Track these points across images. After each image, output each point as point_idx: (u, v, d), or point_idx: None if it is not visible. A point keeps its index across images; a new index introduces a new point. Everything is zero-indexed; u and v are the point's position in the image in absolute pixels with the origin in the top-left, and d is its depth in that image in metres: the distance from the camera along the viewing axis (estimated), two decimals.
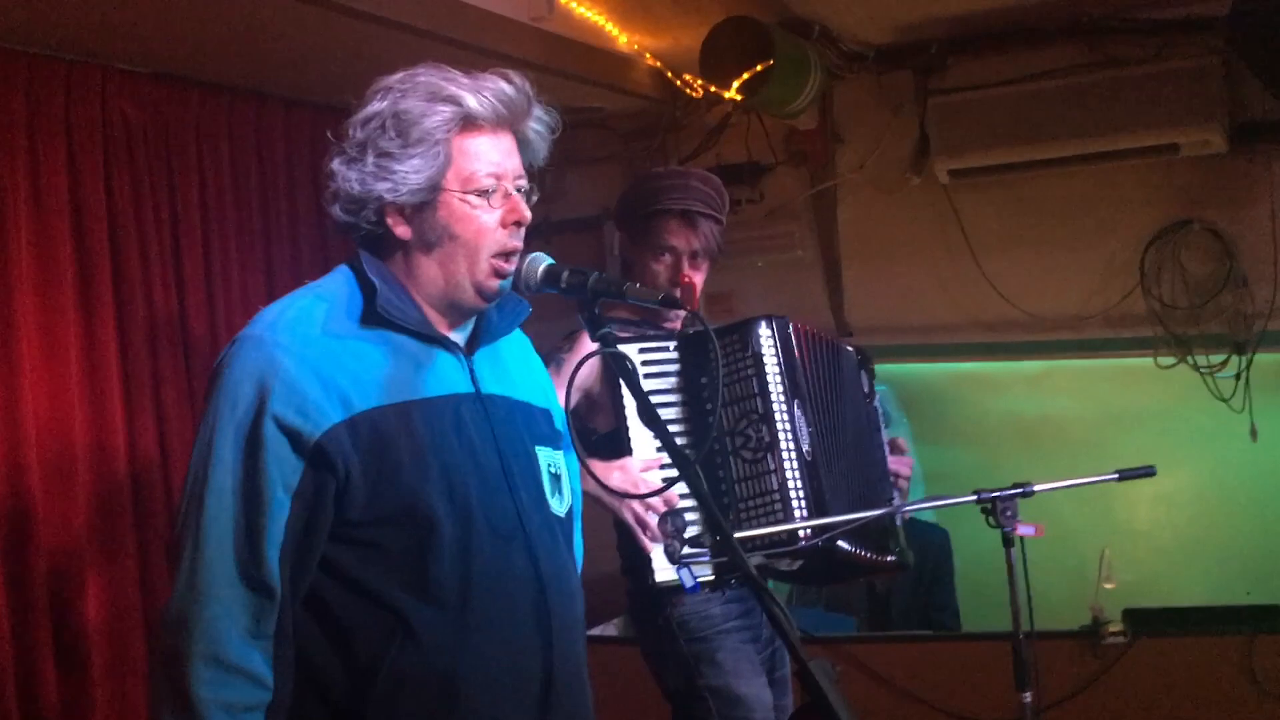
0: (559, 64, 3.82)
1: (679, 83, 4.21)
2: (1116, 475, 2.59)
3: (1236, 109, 3.81)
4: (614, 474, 2.49)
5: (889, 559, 2.80)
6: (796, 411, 2.64)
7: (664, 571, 2.57)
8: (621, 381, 2.50)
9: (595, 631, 3.98)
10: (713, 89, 3.96)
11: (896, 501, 2.87)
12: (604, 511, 2.57)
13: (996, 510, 2.50)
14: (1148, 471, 2.60)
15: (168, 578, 3.32)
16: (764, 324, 2.66)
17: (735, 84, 3.89)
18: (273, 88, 3.81)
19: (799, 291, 4.45)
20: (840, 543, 2.58)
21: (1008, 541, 2.50)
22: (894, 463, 2.96)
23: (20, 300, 3.09)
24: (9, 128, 3.09)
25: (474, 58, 3.54)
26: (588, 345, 2.71)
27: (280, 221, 3.84)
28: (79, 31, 3.11)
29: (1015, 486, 2.52)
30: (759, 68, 3.84)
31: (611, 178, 4.61)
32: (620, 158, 4.64)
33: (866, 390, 2.91)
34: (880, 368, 4.70)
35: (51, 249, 3.19)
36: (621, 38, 4.01)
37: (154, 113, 3.46)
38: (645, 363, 2.67)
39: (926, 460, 5.00)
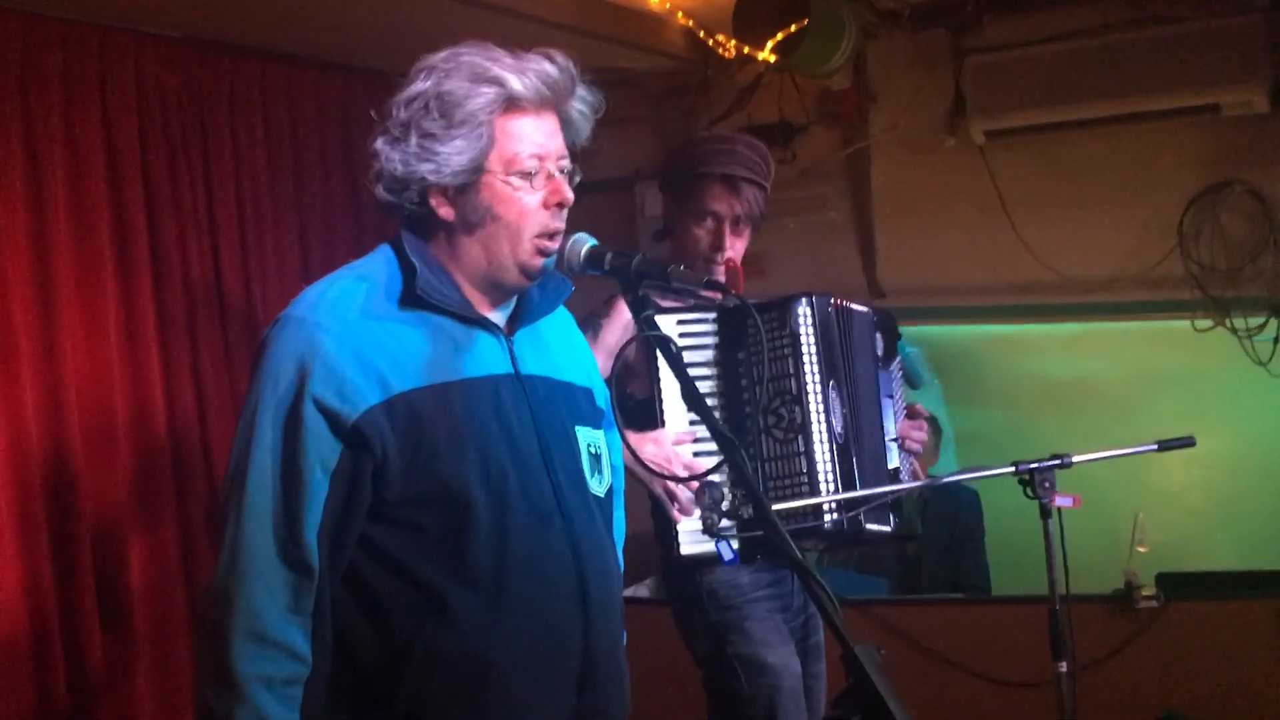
0: (591, 25, 3.78)
1: (711, 42, 4.16)
2: (1156, 446, 2.59)
3: (1279, 69, 3.73)
4: (647, 445, 2.49)
5: (894, 531, 2.79)
6: (831, 392, 2.64)
7: (690, 544, 2.59)
8: (664, 362, 2.52)
9: (628, 593, 4.01)
10: (746, 50, 3.91)
11: (903, 466, 2.86)
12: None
13: (1035, 481, 2.49)
14: (1187, 442, 2.59)
15: (207, 542, 3.41)
16: (804, 302, 2.65)
17: (769, 44, 3.85)
18: (304, 51, 3.80)
19: (831, 253, 4.43)
20: (868, 525, 2.59)
21: (1045, 512, 2.50)
22: (909, 427, 2.93)
23: (59, 266, 3.12)
24: (45, 94, 3.10)
25: (506, 20, 3.53)
26: (624, 310, 2.71)
27: (312, 185, 3.85)
28: None
29: (1053, 457, 2.52)
30: (793, 28, 3.80)
31: (643, 138, 4.59)
32: (651, 118, 4.61)
33: (880, 353, 2.88)
34: (912, 329, 4.70)
35: (89, 216, 3.21)
36: None
37: (187, 77, 3.46)
38: (683, 334, 2.67)
39: (959, 422, 5.01)
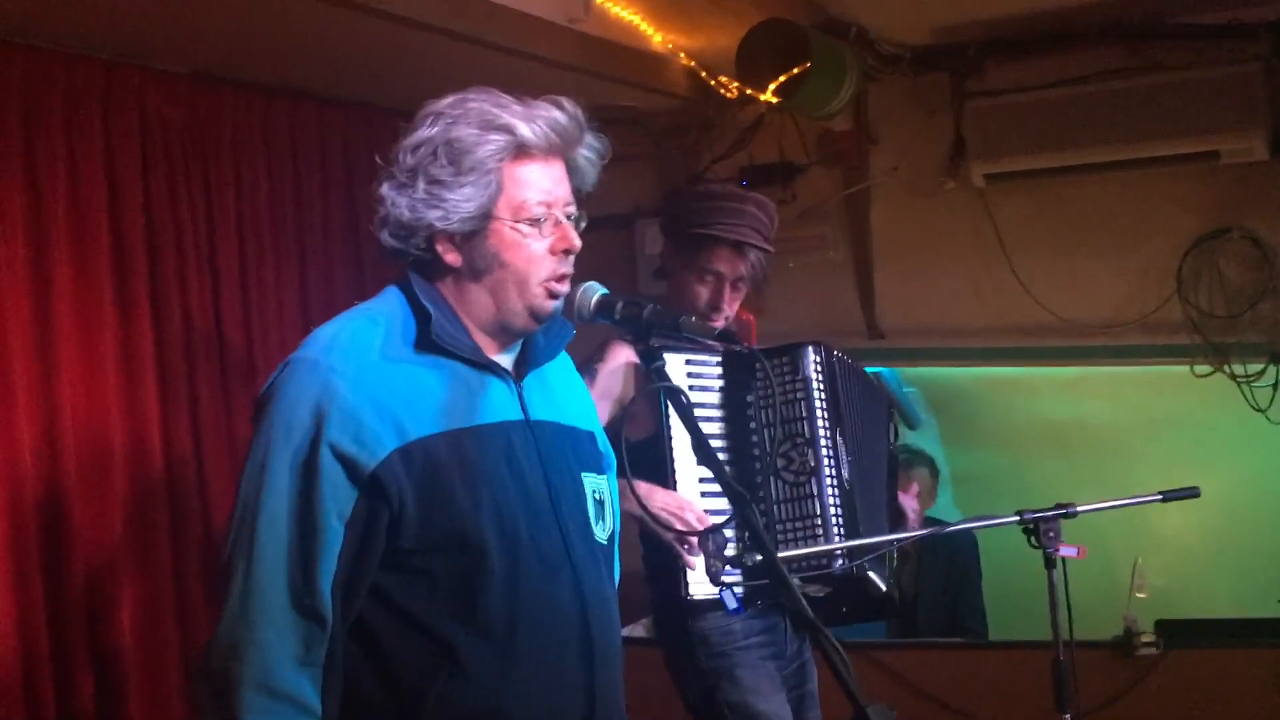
0: (594, 65, 3.80)
1: (713, 83, 4.18)
2: (1160, 496, 2.58)
3: (1278, 116, 3.76)
4: (657, 495, 2.49)
5: (891, 594, 2.80)
6: (839, 439, 2.65)
7: (699, 586, 2.58)
8: (674, 413, 2.52)
9: (624, 632, 3.99)
10: (749, 91, 3.93)
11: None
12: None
13: (1039, 531, 2.49)
14: (1192, 493, 2.59)
15: (201, 582, 3.38)
16: (813, 350, 2.68)
17: (772, 86, 3.87)
18: (308, 87, 3.81)
19: (830, 293, 4.43)
20: (870, 573, 2.59)
21: (1050, 563, 2.49)
22: (904, 499, 2.99)
23: (58, 300, 3.10)
24: (47, 128, 3.09)
25: (508, 59, 3.54)
26: (620, 354, 2.71)
27: (314, 220, 3.84)
28: (115, 32, 3.11)
29: (1058, 507, 2.51)
30: (795, 70, 3.82)
31: (643, 175, 4.59)
32: (652, 156, 4.62)
33: (892, 438, 2.93)
34: (911, 371, 4.71)
35: (89, 250, 3.20)
36: (656, 37, 3.99)
37: (190, 112, 3.46)
38: (689, 375, 2.67)
39: (956, 462, 5.00)
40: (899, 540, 2.62)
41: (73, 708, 3.06)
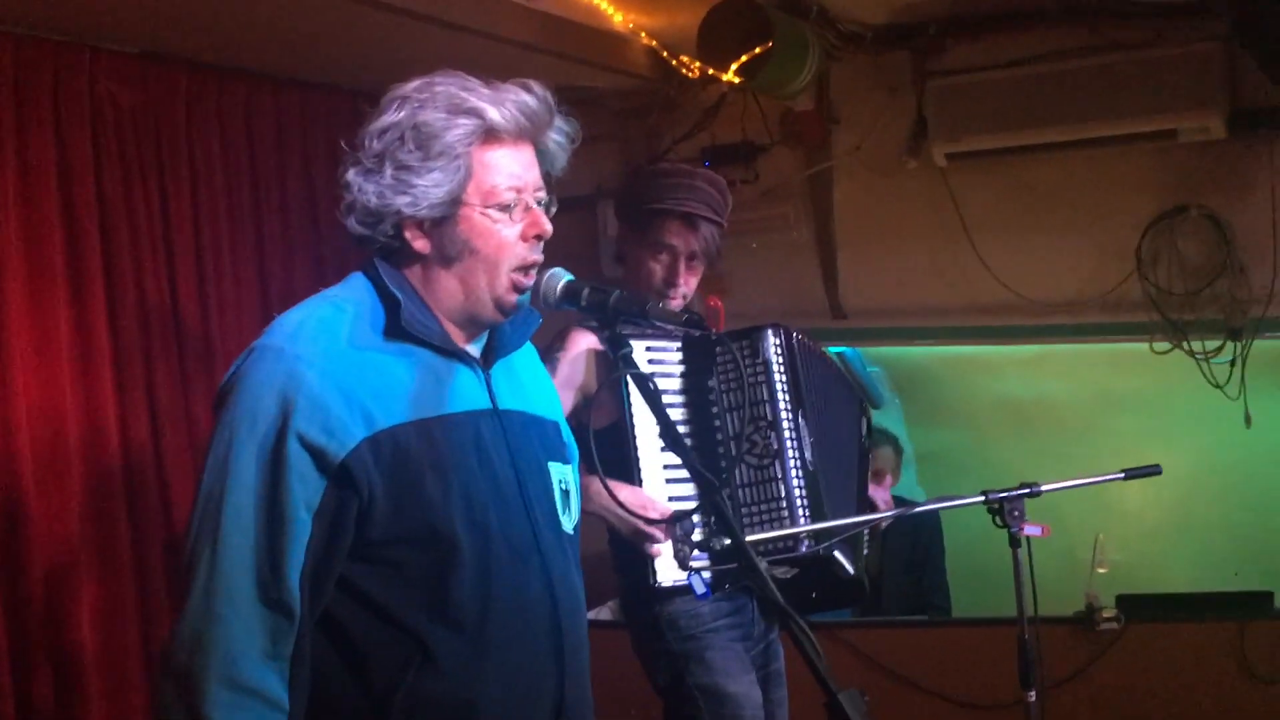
0: (555, 45, 3.76)
1: (675, 63, 4.16)
2: (1123, 475, 2.60)
3: (1236, 95, 3.78)
4: (622, 492, 2.48)
5: (860, 579, 2.81)
6: (800, 421, 2.65)
7: (668, 572, 2.58)
8: (640, 399, 2.51)
9: (590, 615, 3.99)
10: (711, 71, 3.91)
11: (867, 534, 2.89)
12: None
13: (1004, 511, 2.50)
14: (1153, 470, 2.61)
15: (163, 576, 3.34)
16: (772, 332, 2.67)
17: (734, 66, 3.84)
18: (262, 67, 3.74)
19: (794, 273, 4.43)
20: (836, 553, 2.59)
21: (1014, 542, 2.51)
22: (875, 490, 3.00)
23: (10, 287, 3.03)
24: None
25: (467, 38, 3.49)
26: (581, 341, 2.70)
27: (271, 203, 3.78)
28: (64, 11, 3.04)
29: (1022, 487, 2.53)
30: (758, 50, 3.79)
31: (605, 156, 4.56)
32: (614, 136, 4.59)
33: (864, 433, 2.92)
34: (874, 350, 4.72)
35: (41, 234, 3.13)
36: (617, 17, 3.95)
37: (143, 93, 3.39)
38: (650, 361, 2.65)
39: (919, 441, 5.03)
40: (865, 522, 2.62)
41: (32, 705, 3.01)
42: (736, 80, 3.87)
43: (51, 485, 3.12)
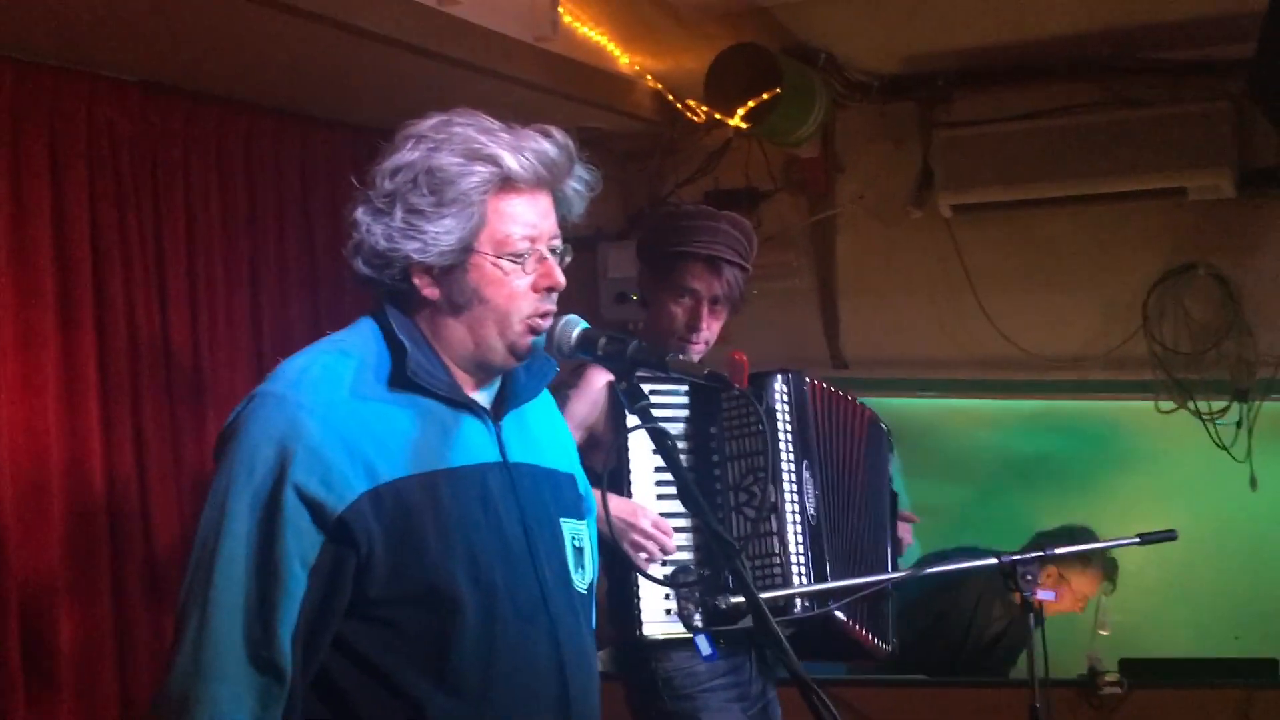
0: (560, 86, 3.73)
1: (679, 106, 4.12)
2: (1138, 539, 2.53)
3: (1246, 154, 3.76)
4: (613, 502, 2.41)
5: (881, 644, 2.72)
6: (805, 473, 2.57)
7: (654, 625, 2.50)
8: (641, 451, 2.44)
9: None
10: (717, 115, 3.87)
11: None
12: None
13: (1016, 574, 2.43)
14: (1169, 536, 2.55)
15: (143, 610, 3.25)
16: (779, 379, 2.60)
17: (740, 111, 3.81)
18: (265, 100, 3.69)
19: (795, 321, 4.38)
20: (837, 613, 2.51)
21: (1027, 606, 2.43)
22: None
23: None
24: None
25: (473, 76, 3.46)
26: (595, 379, 2.63)
27: (267, 237, 3.72)
28: (65, 38, 2.98)
29: (1035, 549, 2.46)
30: (765, 96, 3.77)
31: (606, 198, 4.41)
32: (616, 179, 4.55)
33: (878, 454, 2.85)
34: (873, 401, 4.65)
35: (32, 264, 3.07)
36: (623, 58, 3.93)
37: (141, 123, 3.33)
38: (655, 405, 2.58)
39: (916, 494, 4.94)
40: (869, 585, 2.53)
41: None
42: (743, 126, 3.84)
43: (33, 516, 3.04)
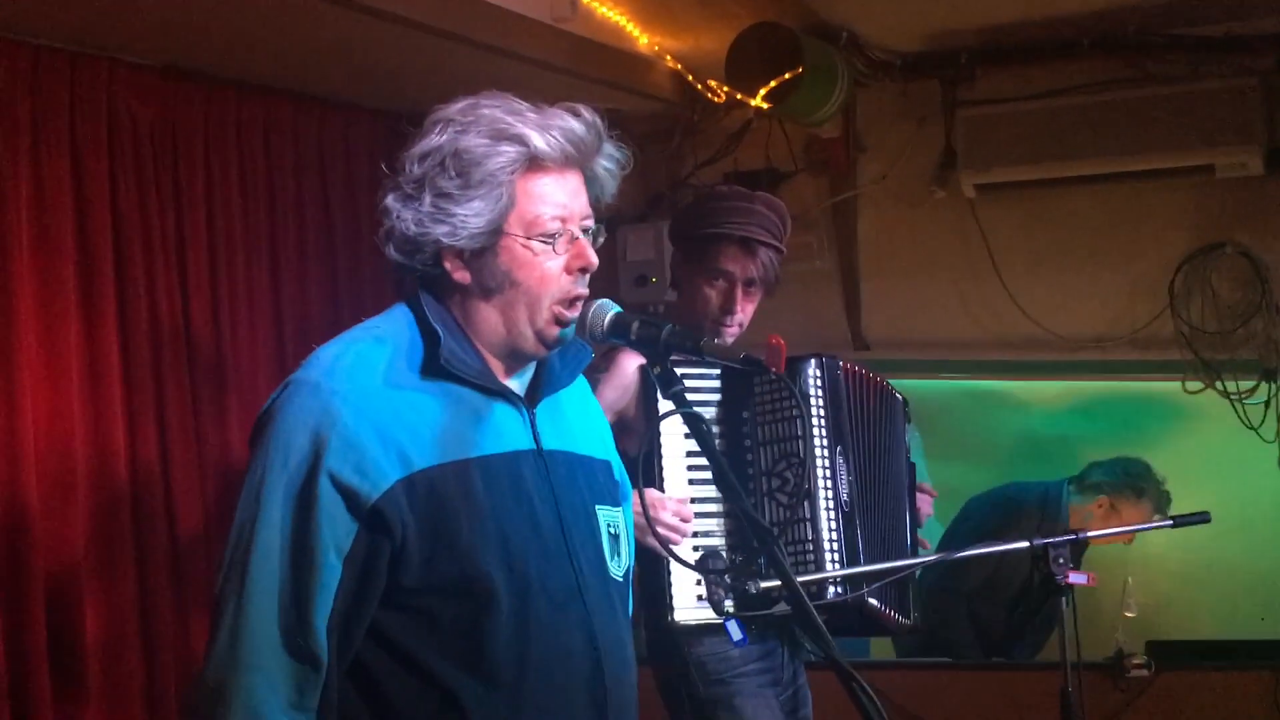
0: (579, 67, 3.70)
1: (700, 87, 4.09)
2: (1171, 522, 2.51)
3: (1275, 131, 3.71)
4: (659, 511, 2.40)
5: (903, 620, 2.71)
6: (839, 459, 2.56)
7: (685, 611, 2.49)
8: (673, 437, 2.43)
9: None
10: (739, 96, 3.84)
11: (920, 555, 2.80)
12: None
13: (1048, 558, 2.41)
14: (1203, 518, 2.52)
15: (168, 597, 3.25)
16: (813, 363, 2.58)
17: (762, 91, 3.78)
18: (283, 83, 3.68)
19: (816, 303, 4.34)
20: (870, 600, 2.50)
21: (1059, 590, 2.42)
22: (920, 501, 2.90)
23: (21, 304, 2.96)
24: (12, 123, 2.95)
25: (491, 58, 3.43)
26: (627, 364, 2.62)
27: (287, 221, 3.70)
28: (85, 22, 2.97)
29: (1068, 533, 2.43)
30: (787, 75, 3.73)
31: (625, 180, 4.43)
32: (635, 160, 4.50)
33: (904, 437, 2.83)
34: (896, 382, 4.63)
35: (54, 251, 3.07)
36: (642, 39, 3.89)
37: (160, 108, 3.33)
38: (687, 387, 2.56)
39: (937, 475, 4.91)
40: (901, 569, 2.52)
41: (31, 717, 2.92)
42: (765, 106, 3.81)
43: (58, 504, 3.05)
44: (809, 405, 2.54)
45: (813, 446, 2.55)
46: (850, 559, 2.53)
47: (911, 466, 2.85)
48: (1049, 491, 4.12)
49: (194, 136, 3.41)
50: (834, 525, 2.55)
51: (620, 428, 2.61)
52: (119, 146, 3.20)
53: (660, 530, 2.39)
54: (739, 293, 2.67)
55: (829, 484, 2.55)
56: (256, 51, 3.36)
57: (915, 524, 2.83)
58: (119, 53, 3.19)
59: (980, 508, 4.19)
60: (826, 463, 2.56)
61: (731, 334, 2.71)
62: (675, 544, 2.44)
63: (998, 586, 4.05)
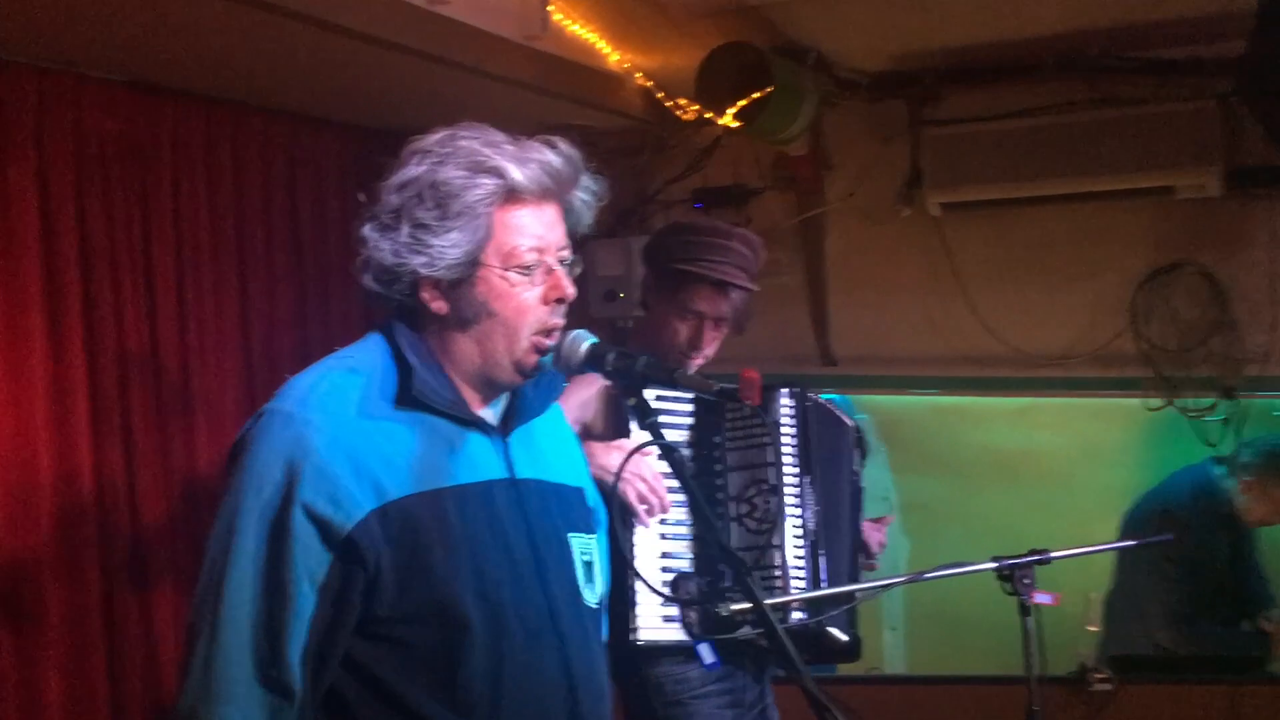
0: (550, 84, 3.70)
1: (669, 104, 4.11)
2: (1135, 542, 2.55)
3: (1233, 153, 3.78)
4: (612, 454, 2.39)
5: (849, 640, 2.72)
6: (807, 487, 2.58)
7: (648, 630, 2.50)
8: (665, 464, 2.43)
9: None
10: (708, 114, 3.86)
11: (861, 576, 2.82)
12: None
13: (1014, 578, 2.44)
14: (1166, 538, 2.56)
15: (134, 616, 3.22)
16: (786, 393, 2.60)
17: (731, 110, 3.80)
18: (251, 99, 3.66)
19: (784, 318, 4.36)
20: (831, 629, 2.52)
21: (1024, 610, 2.45)
22: (870, 528, 2.91)
23: None
24: None
25: (461, 75, 3.44)
26: (588, 381, 2.62)
27: (255, 238, 3.69)
28: (48, 37, 2.95)
29: (1032, 554, 2.47)
30: (756, 94, 3.76)
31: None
32: (603, 176, 4.51)
33: (855, 467, 2.85)
34: (862, 398, 4.67)
35: (19, 268, 3.05)
36: (613, 56, 3.90)
37: (128, 123, 3.31)
38: (659, 410, 2.57)
39: (904, 491, 4.97)
40: (868, 590, 2.55)
41: None
42: (734, 124, 3.83)
43: (21, 523, 3.03)
44: (779, 432, 2.56)
45: (783, 473, 2.57)
46: (813, 585, 2.56)
47: (858, 492, 2.87)
48: (1197, 481, 3.92)
49: (161, 151, 3.39)
50: (801, 553, 2.58)
51: (584, 437, 2.62)
52: (85, 162, 3.19)
53: (641, 488, 2.38)
54: (707, 330, 2.67)
55: (797, 511, 2.59)
56: (223, 67, 3.34)
57: (858, 549, 2.85)
58: (84, 67, 3.17)
59: (1133, 525, 3.94)
60: (796, 490, 2.59)
61: (696, 365, 2.72)
62: (650, 510, 2.43)
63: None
